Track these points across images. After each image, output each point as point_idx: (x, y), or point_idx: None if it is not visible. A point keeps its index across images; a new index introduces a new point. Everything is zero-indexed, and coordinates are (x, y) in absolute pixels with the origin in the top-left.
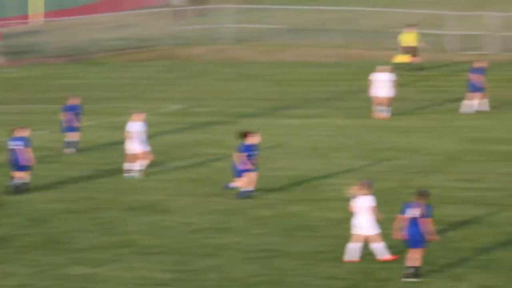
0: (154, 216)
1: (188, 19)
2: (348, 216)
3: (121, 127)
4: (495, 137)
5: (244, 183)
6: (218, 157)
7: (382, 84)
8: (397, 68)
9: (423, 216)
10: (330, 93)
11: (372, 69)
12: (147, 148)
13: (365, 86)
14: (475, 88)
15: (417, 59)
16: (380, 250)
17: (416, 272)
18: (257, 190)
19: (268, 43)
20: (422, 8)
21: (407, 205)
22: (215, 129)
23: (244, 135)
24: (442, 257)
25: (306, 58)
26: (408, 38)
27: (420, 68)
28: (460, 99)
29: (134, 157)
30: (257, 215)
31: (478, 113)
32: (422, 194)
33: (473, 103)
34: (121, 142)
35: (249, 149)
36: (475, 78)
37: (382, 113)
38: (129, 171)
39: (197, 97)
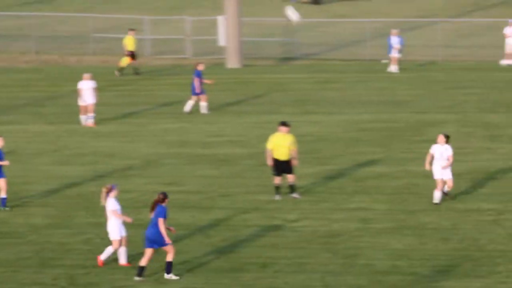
0: None
1: None
2: (49, 222)
3: None
4: (191, 140)
5: None
6: None
7: (87, 92)
8: (125, 73)
9: (157, 217)
10: (28, 99)
11: (69, 75)
12: None
13: (63, 91)
14: (197, 91)
15: (136, 63)
16: (117, 255)
17: (142, 271)
18: None
19: None
20: (121, 13)
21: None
22: None
23: None
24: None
25: (2, 64)
26: (129, 42)
27: (137, 72)
28: (162, 104)
29: None
30: None
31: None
32: (160, 197)
33: (192, 103)
34: None
35: None
36: (196, 81)
37: (89, 119)
38: None
39: None
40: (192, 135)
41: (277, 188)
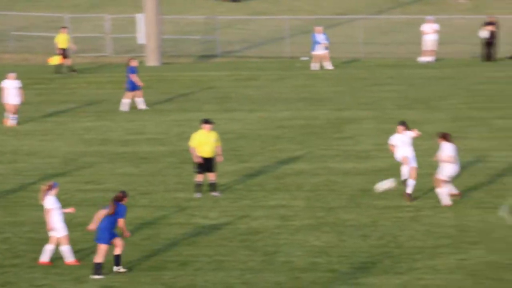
0: None
1: None
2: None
3: None
4: (112, 138)
5: None
6: None
7: (11, 92)
8: (55, 71)
9: (116, 215)
10: None
11: None
12: None
13: None
14: (133, 87)
15: (68, 61)
16: (66, 253)
17: (99, 269)
18: None
19: None
20: (41, 11)
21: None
22: None
23: None
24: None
25: None
26: (62, 39)
27: (72, 70)
28: (82, 102)
29: None
30: None
31: (135, 111)
32: (119, 196)
33: (129, 101)
34: None
35: None
36: (133, 77)
37: (12, 120)
38: None
39: None
40: (113, 133)
41: (198, 186)
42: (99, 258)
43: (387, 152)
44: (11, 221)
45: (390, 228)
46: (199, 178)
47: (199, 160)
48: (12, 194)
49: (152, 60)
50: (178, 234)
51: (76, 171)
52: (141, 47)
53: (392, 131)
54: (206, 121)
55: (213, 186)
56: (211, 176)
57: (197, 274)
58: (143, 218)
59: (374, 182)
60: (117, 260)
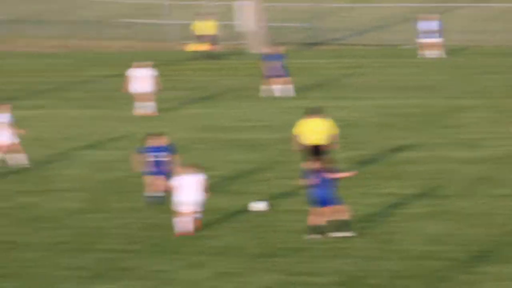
0: None
1: None
2: (85, 206)
3: None
4: (223, 125)
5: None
6: None
7: (141, 80)
8: (195, 58)
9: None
10: (53, 84)
11: (92, 60)
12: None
13: (87, 76)
14: (277, 73)
15: (216, 48)
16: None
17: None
18: None
19: None
20: None
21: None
22: None
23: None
24: (182, 245)
25: (27, 49)
26: (205, 26)
27: (208, 56)
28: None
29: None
30: None
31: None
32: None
33: (275, 88)
34: None
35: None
36: (277, 64)
37: (144, 109)
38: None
39: None
40: (225, 120)
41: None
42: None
43: (500, 140)
44: (129, 207)
45: (509, 217)
46: (311, 165)
47: (302, 148)
48: (126, 179)
49: (256, 47)
50: (292, 221)
51: (188, 158)
52: (243, 34)
53: (503, 120)
54: (313, 110)
55: None
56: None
57: (313, 262)
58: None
59: (490, 171)
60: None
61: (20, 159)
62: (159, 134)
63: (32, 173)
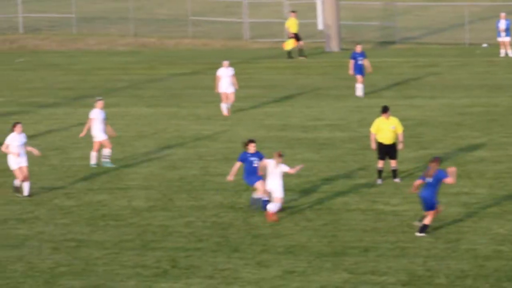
0: None
1: None
2: (151, 204)
3: None
4: (291, 124)
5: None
6: None
7: (225, 80)
8: (288, 56)
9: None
10: (127, 82)
11: (167, 58)
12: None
13: (161, 74)
14: (360, 72)
15: (301, 45)
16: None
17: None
18: (60, 179)
19: (61, 33)
20: None
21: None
22: (13, 119)
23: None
24: (246, 244)
25: (101, 47)
26: (292, 24)
27: (302, 54)
28: (261, 88)
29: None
30: (61, 205)
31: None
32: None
33: (358, 86)
34: None
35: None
36: (360, 62)
37: (227, 109)
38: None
39: None
40: (292, 119)
41: (379, 172)
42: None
43: None
44: (194, 205)
45: None
46: (380, 164)
47: (376, 147)
48: (194, 178)
49: (331, 46)
50: (359, 220)
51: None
52: (319, 32)
53: None
54: (385, 108)
55: (394, 173)
56: (392, 163)
57: (379, 261)
58: (324, 204)
59: None
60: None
61: (106, 154)
62: (251, 141)
63: (102, 171)
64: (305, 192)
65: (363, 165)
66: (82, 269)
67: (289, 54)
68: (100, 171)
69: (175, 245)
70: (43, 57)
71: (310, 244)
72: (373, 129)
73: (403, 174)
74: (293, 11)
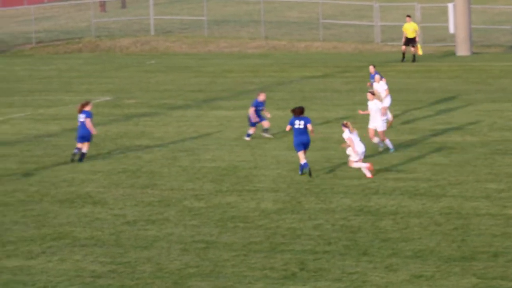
0: (86, 208)
1: (109, 11)
2: (280, 207)
3: (49, 119)
4: (419, 127)
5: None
6: (146, 149)
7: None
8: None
9: None
10: (257, 84)
11: (297, 61)
12: None
13: (292, 77)
14: None
15: (414, 50)
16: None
17: None
18: (189, 181)
19: (193, 35)
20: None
21: None
22: (144, 121)
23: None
24: (375, 248)
25: (232, 50)
26: (407, 28)
27: (413, 59)
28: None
29: None
30: (190, 206)
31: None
32: None
33: None
34: (48, 135)
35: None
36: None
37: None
38: None
39: (124, 89)
40: (421, 122)
41: None
42: None
43: None
44: (323, 208)
45: None
46: None
47: None
48: (322, 181)
49: (462, 49)
50: (489, 225)
51: (381, 159)
52: (451, 36)
53: None
54: None
55: None
56: None
57: (509, 266)
58: (453, 208)
59: None
60: None
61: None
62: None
63: (230, 173)
64: (435, 196)
65: (493, 170)
66: (211, 270)
67: (414, 58)
68: (227, 173)
69: (304, 248)
70: (174, 59)
71: (438, 248)
72: None
73: None
74: (408, 16)
